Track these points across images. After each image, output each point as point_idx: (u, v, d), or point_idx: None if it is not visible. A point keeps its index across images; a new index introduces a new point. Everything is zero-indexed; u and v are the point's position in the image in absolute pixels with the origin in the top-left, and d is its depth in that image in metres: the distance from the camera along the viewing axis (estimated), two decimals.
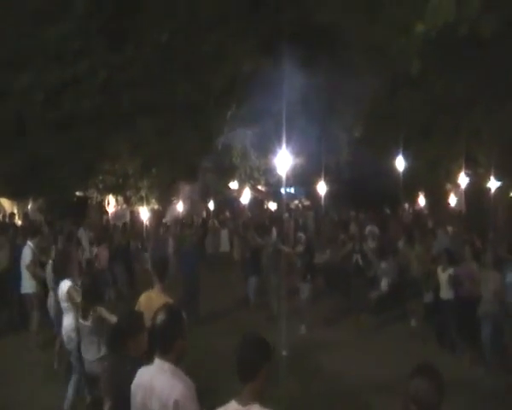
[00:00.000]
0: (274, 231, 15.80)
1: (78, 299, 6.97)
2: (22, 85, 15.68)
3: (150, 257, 15.85)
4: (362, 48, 21.34)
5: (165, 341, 3.35)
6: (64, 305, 7.41)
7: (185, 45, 20.35)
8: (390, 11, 19.63)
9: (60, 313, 8.62)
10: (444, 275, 10.38)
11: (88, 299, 6.59)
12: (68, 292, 7.27)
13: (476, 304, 9.35)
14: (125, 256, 15.36)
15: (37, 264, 10.51)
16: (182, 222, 21.07)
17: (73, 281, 7.48)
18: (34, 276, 10.39)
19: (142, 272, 15.76)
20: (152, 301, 5.87)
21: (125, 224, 18.83)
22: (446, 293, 10.34)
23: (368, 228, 15.72)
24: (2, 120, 15.95)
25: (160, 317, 3.36)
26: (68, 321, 7.36)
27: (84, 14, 15.97)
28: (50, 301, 9.31)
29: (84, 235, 15.16)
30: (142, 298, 6.35)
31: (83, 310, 6.60)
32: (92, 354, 6.52)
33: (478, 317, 9.28)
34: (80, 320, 6.66)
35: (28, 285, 10.51)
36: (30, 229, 13.33)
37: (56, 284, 8.00)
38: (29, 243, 10.71)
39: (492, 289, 9.13)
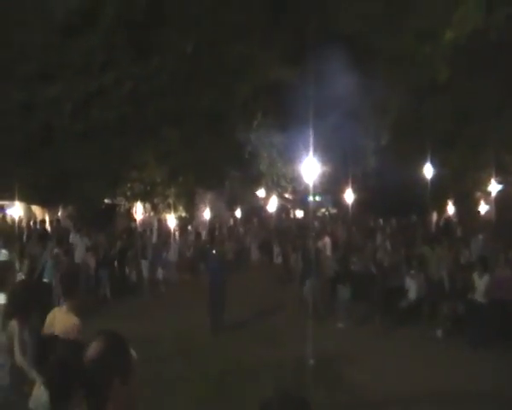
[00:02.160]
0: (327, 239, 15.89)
1: None
2: (51, 97, 15.97)
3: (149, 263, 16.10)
4: (388, 56, 21.31)
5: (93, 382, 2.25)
6: None
7: (210, 55, 20.51)
8: (417, 19, 19.64)
9: None
10: (480, 281, 10.60)
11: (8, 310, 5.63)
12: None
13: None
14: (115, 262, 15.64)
15: None
16: (209, 230, 21.14)
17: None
18: None
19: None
20: (55, 320, 5.14)
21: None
22: (482, 298, 10.57)
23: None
24: (31, 130, 16.27)
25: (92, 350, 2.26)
26: None
27: (110, 27, 16.20)
28: None
29: (79, 241, 15.28)
30: (49, 315, 5.33)
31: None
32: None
33: None
34: None
35: None
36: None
37: None
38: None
39: None
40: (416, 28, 19.68)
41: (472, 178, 21.56)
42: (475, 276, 10.82)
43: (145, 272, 15.90)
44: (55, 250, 12.66)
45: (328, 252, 15.75)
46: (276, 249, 18.26)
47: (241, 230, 21.33)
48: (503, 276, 10.67)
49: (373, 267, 13.85)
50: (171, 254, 17.37)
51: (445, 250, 12.80)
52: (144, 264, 15.99)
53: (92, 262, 14.55)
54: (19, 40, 15.66)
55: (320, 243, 15.90)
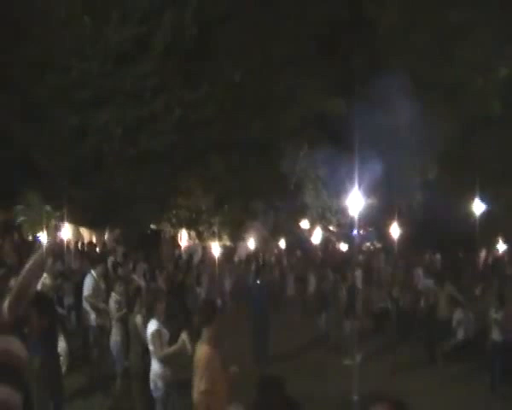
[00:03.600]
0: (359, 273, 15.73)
1: (159, 349, 6.62)
2: (102, 122, 16.41)
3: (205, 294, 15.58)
4: (439, 89, 21.16)
5: None
6: (150, 348, 6.85)
7: (258, 85, 20.77)
8: (469, 52, 19.53)
9: (121, 351, 8.90)
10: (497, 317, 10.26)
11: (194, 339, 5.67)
12: (152, 336, 6.74)
13: None
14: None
15: (100, 294, 10.27)
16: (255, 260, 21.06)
17: (160, 323, 6.88)
18: (93, 308, 10.10)
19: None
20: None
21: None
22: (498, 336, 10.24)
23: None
24: (83, 154, 16.70)
25: None
26: (154, 366, 6.78)
27: (162, 54, 16.60)
28: (113, 336, 9.20)
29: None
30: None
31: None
32: None
33: None
34: None
35: (90, 317, 10.19)
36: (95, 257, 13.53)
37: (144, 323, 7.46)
38: (92, 271, 10.43)
39: None
40: (469, 61, 19.57)
41: None
42: (492, 313, 10.41)
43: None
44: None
45: (359, 285, 15.46)
46: (312, 280, 17.94)
47: (285, 261, 21.23)
48: None
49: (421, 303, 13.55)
50: (227, 283, 17.04)
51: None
52: (200, 291, 15.43)
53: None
54: (75, 67, 16.22)
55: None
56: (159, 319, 6.88)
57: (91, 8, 16.00)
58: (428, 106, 19.74)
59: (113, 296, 9.56)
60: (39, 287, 10.28)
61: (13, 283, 5.33)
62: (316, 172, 24.99)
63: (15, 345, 3.32)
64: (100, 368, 10.08)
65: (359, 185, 14.07)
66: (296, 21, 21.97)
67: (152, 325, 6.81)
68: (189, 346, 6.23)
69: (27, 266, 3.69)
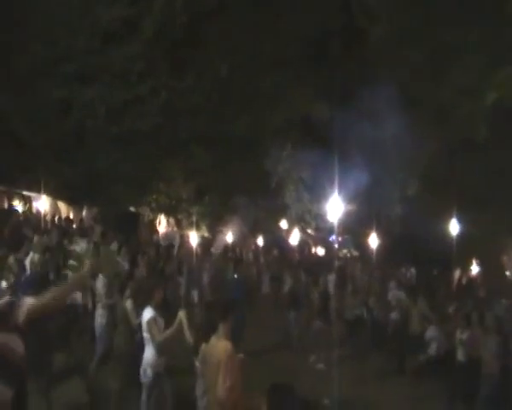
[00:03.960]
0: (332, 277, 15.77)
1: (157, 335, 6.62)
2: (87, 99, 16.22)
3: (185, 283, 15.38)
4: (426, 108, 21.34)
5: None
6: (145, 335, 6.84)
7: (245, 81, 20.79)
8: (459, 75, 19.71)
9: (106, 332, 8.77)
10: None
11: (203, 333, 5.72)
12: (148, 324, 6.71)
13: None
14: None
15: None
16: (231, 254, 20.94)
17: (156, 311, 6.86)
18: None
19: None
20: (212, 347, 5.31)
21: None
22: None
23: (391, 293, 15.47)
24: (66, 129, 16.47)
25: None
26: (147, 354, 6.77)
27: (150, 39, 16.50)
28: (98, 320, 9.11)
29: None
30: (205, 344, 5.53)
31: (196, 350, 5.90)
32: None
33: None
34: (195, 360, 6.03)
35: (77, 297, 10.12)
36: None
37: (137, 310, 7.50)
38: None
39: None
40: (458, 83, 19.74)
41: (500, 242, 21.31)
42: (458, 333, 10.55)
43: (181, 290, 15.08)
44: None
45: (331, 289, 15.49)
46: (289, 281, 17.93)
47: (262, 259, 21.24)
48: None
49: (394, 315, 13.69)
50: (205, 275, 16.43)
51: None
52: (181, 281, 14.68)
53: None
54: (62, 41, 15.97)
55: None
56: (155, 307, 6.85)
57: None
58: (414, 122, 19.88)
59: (101, 279, 9.35)
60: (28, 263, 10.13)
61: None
62: (298, 173, 25.05)
63: (13, 341, 3.40)
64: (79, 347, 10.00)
65: (340, 191, 14.14)
66: (287, 23, 22.03)
67: (147, 313, 6.77)
68: (186, 324, 6.32)
69: (67, 285, 3.72)
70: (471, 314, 10.90)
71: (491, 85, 19.85)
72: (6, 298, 3.77)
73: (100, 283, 9.43)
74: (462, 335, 10.43)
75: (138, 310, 7.37)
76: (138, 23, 16.76)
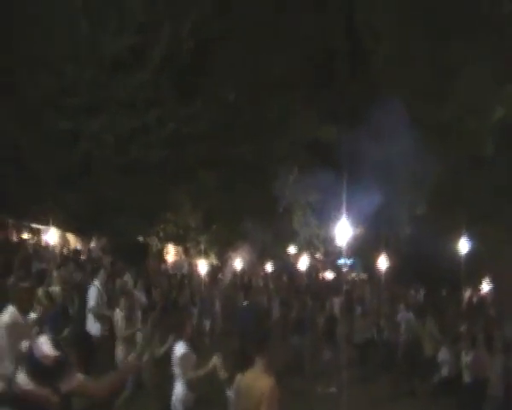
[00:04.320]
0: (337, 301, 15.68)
1: (189, 372, 6.52)
2: (94, 129, 16.38)
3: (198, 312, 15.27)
4: (432, 126, 21.36)
5: None
6: (176, 370, 6.66)
7: (251, 106, 20.86)
8: (464, 91, 19.75)
9: None
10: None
11: (239, 366, 5.62)
12: (182, 359, 6.57)
13: None
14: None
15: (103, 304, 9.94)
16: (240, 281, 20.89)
17: (188, 346, 6.70)
18: (99, 317, 9.78)
19: None
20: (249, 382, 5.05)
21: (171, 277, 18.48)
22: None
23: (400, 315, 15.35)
24: (73, 160, 16.62)
25: None
26: (178, 389, 6.61)
27: (157, 67, 16.65)
28: (120, 353, 8.73)
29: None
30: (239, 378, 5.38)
31: (230, 379, 5.83)
32: None
33: None
34: (228, 391, 5.97)
35: (94, 328, 9.74)
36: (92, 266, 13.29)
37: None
38: (95, 282, 10.16)
39: None
40: (464, 100, 19.77)
41: (511, 258, 21.07)
42: (463, 355, 10.69)
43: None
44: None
45: (337, 313, 15.41)
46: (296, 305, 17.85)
47: (271, 285, 21.15)
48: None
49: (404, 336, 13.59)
50: (217, 304, 16.64)
51: None
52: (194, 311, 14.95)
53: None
54: (70, 73, 16.21)
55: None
56: (186, 341, 6.74)
57: (90, 13, 16.04)
58: (421, 142, 19.90)
59: (119, 313, 9.15)
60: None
61: None
62: (305, 197, 25.04)
63: None
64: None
65: (348, 215, 14.11)
66: (293, 47, 22.22)
67: (180, 348, 6.64)
68: (222, 370, 6.15)
69: (119, 374, 3.75)
70: (477, 335, 10.92)
71: (496, 101, 19.87)
72: (54, 354, 3.38)
73: (118, 316, 9.16)
74: (467, 356, 10.51)
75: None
76: (145, 51, 16.95)
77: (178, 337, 6.84)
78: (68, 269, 13.12)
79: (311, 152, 24.24)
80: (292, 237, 26.09)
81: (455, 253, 20.19)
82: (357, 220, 19.30)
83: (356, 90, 22.66)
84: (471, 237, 20.10)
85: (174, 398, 6.61)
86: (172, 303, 13.74)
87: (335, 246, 20.76)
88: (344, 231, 14.10)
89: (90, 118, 16.59)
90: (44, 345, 3.32)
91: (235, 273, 21.89)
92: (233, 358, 6.08)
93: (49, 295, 9.55)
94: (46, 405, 3.25)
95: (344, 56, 23.63)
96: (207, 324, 15.39)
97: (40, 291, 9.56)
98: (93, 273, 11.14)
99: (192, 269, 20.83)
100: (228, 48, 19.85)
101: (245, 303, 13.66)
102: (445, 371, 12.10)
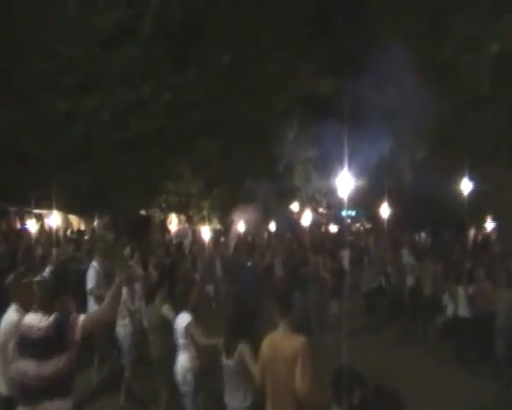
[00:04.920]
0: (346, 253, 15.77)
1: (201, 338, 6.43)
2: (90, 108, 16.26)
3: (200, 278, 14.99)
4: (427, 67, 21.04)
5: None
6: (181, 341, 6.57)
7: (247, 68, 20.60)
8: (459, 29, 19.34)
9: (134, 341, 8.59)
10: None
11: (236, 334, 5.67)
12: (188, 329, 6.47)
13: None
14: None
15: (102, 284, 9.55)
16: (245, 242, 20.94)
17: (193, 315, 6.61)
18: (98, 299, 9.25)
19: None
20: (276, 345, 4.94)
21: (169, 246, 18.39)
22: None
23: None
24: (71, 140, 16.56)
25: None
26: (183, 360, 6.56)
27: (148, 39, 16.44)
28: (122, 329, 8.63)
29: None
30: (265, 342, 5.08)
31: (227, 347, 5.70)
32: (238, 401, 5.62)
33: None
34: (224, 360, 5.74)
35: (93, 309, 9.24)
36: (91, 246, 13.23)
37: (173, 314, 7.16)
38: (94, 262, 9.86)
39: None
40: (459, 37, 19.39)
41: None
42: (459, 289, 11.05)
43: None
44: None
45: (346, 265, 15.49)
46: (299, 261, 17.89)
47: (275, 243, 21.17)
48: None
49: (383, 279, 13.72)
50: (219, 268, 16.56)
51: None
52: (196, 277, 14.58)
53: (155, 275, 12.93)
54: (62, 53, 16.06)
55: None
56: (191, 311, 6.64)
57: None
58: (420, 85, 19.65)
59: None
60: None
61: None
62: (305, 153, 24.95)
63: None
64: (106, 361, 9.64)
65: (348, 167, 14.05)
66: (284, 2, 21.77)
67: (185, 318, 6.53)
68: (249, 357, 5.51)
69: (106, 301, 3.92)
70: (474, 271, 11.33)
71: (492, 36, 19.46)
72: (52, 317, 3.91)
73: (123, 291, 8.80)
74: (464, 292, 10.91)
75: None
76: (136, 24, 16.73)
77: (182, 307, 6.67)
78: (66, 251, 13.15)
79: (309, 107, 24.03)
80: (294, 194, 26.10)
81: (458, 194, 20.15)
82: (358, 171, 19.23)
83: (351, 39, 22.29)
84: (473, 178, 20.03)
85: (181, 369, 6.53)
86: (168, 272, 13.57)
87: (338, 198, 20.78)
88: (346, 183, 14.09)
89: (85, 96, 16.45)
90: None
91: (238, 236, 21.98)
92: (230, 325, 5.85)
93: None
94: None
95: (339, 4, 23.14)
96: (211, 289, 15.38)
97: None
98: (91, 253, 11.06)
99: (196, 236, 20.92)
100: (218, 11, 19.53)
101: (249, 264, 13.68)
102: (449, 311, 12.17)
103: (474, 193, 19.99)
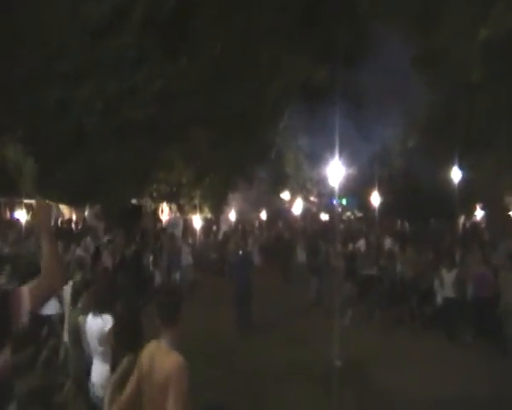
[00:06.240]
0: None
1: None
2: (82, 96, 16.14)
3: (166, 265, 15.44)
4: (418, 55, 21.07)
5: None
6: (99, 349, 5.29)
7: (239, 56, 20.51)
8: (450, 16, 19.35)
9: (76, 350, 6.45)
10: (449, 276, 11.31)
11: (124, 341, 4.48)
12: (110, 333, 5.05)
13: None
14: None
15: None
16: (236, 231, 21.02)
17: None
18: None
19: None
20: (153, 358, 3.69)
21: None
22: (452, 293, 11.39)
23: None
24: (62, 129, 16.44)
25: None
26: (101, 371, 5.19)
27: (140, 26, 16.36)
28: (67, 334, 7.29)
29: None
30: (144, 352, 3.79)
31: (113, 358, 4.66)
32: None
33: None
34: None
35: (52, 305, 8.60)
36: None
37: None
38: (77, 251, 9.92)
39: None
40: (450, 25, 19.41)
41: (503, 184, 21.12)
42: (443, 272, 11.45)
43: (158, 277, 14.91)
44: (77, 252, 12.08)
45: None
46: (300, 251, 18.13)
47: (266, 232, 21.26)
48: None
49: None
50: (186, 257, 16.45)
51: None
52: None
53: (108, 263, 12.58)
54: (53, 41, 15.93)
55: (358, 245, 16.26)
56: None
57: None
58: (410, 73, 19.69)
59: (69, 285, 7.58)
60: None
61: None
62: (296, 142, 24.96)
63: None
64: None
65: (339, 156, 14.11)
66: None
67: (106, 320, 5.27)
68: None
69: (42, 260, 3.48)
70: (454, 255, 12.01)
71: (482, 22, 19.49)
72: None
73: (68, 290, 7.58)
74: (447, 274, 11.33)
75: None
76: (127, 11, 16.60)
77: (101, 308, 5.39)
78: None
79: (301, 96, 24.01)
80: (285, 183, 26.14)
81: (448, 182, 20.28)
82: (349, 160, 19.30)
83: (344, 26, 22.23)
84: (463, 166, 20.15)
85: (97, 382, 5.20)
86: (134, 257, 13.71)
87: (328, 187, 20.87)
88: (337, 172, 14.16)
89: (78, 84, 16.32)
90: None
91: (230, 224, 22.00)
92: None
93: None
94: None
95: None
96: (177, 275, 15.45)
97: None
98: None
99: (187, 225, 20.93)
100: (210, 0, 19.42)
101: (240, 252, 13.72)
102: (439, 299, 12.29)
103: (463, 181, 20.13)
